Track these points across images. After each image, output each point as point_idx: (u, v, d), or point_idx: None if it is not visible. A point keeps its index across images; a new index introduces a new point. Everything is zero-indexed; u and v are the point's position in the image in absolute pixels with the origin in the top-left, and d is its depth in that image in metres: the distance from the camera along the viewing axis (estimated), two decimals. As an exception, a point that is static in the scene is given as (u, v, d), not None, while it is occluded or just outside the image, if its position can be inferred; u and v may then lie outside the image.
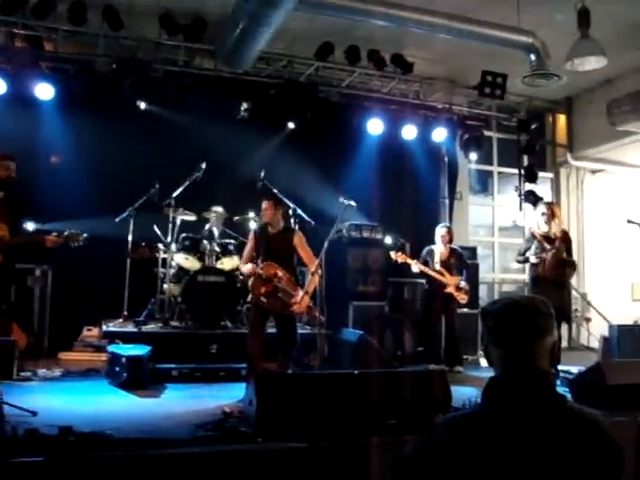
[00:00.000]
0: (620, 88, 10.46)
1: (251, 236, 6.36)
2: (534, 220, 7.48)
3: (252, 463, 3.76)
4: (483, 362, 8.83)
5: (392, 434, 4.05)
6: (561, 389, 6.15)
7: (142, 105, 8.41)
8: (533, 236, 7.28)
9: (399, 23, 7.87)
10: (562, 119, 12.46)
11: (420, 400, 4.36)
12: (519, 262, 7.61)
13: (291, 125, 9.31)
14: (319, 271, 5.94)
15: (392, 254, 7.69)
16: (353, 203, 6.24)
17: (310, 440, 3.92)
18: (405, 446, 1.97)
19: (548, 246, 7.08)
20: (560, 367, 6.60)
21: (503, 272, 12.40)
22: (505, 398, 1.77)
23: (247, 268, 6.13)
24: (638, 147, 11.32)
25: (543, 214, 7.18)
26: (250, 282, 6.07)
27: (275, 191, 7.52)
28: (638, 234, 7.77)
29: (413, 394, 4.34)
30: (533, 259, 7.12)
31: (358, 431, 4.02)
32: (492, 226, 12.28)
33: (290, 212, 7.44)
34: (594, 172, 12.77)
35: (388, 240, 9.00)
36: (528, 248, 7.30)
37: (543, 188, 11.93)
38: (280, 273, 6.00)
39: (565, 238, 7.26)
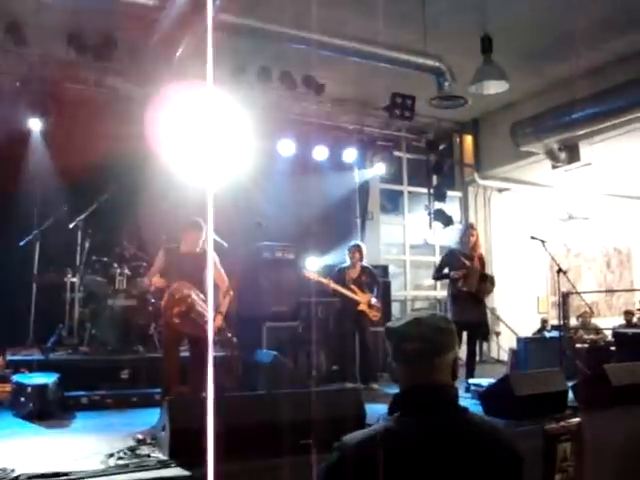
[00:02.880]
0: (522, 111, 10.94)
1: (161, 254, 6.23)
2: (451, 238, 7.76)
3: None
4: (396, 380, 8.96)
5: (306, 453, 4.04)
6: (472, 402, 6.35)
7: (36, 126, 8.09)
8: (452, 254, 7.52)
9: (308, 45, 7.96)
10: (469, 140, 12.90)
11: (334, 419, 4.37)
12: (436, 278, 7.85)
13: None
14: (230, 292, 5.90)
15: (305, 272, 7.73)
16: (264, 224, 6.27)
17: (225, 463, 3.86)
18: (318, 466, 1.95)
19: (468, 262, 7.32)
20: (471, 380, 6.80)
21: (415, 289, 12.66)
22: (409, 413, 1.81)
23: (157, 280, 6.04)
24: (540, 167, 11.84)
25: (471, 236, 7.44)
26: (163, 302, 5.95)
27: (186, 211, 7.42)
28: (541, 250, 8.11)
29: (327, 413, 4.34)
30: (454, 274, 7.33)
31: (273, 452, 3.99)
32: (403, 244, 12.53)
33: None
34: (500, 191, 13.29)
35: (301, 261, 9.02)
36: (446, 265, 7.52)
37: (452, 206, 12.30)
38: (193, 294, 5.90)
39: (481, 260, 7.55)
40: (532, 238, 8.07)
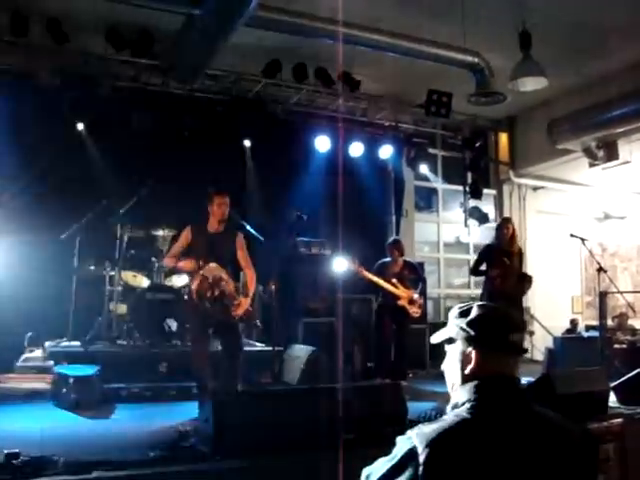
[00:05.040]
0: (559, 108, 10.80)
1: (186, 232, 5.77)
2: (490, 235, 7.65)
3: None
4: (431, 376, 8.89)
5: (350, 448, 4.04)
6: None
7: (80, 126, 8.19)
8: (490, 250, 7.42)
9: (346, 41, 7.93)
10: (504, 137, 12.76)
11: (376, 414, 4.36)
12: (474, 274, 7.71)
13: (247, 143, 9.27)
14: (272, 286, 5.86)
15: (349, 264, 7.54)
16: (304, 216, 6.16)
17: (268, 457, 3.87)
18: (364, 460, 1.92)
19: (506, 260, 7.23)
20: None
21: (447, 287, 12.57)
22: (489, 404, 1.79)
23: (186, 263, 5.58)
24: (576, 165, 11.68)
25: (506, 230, 7.34)
26: (194, 285, 5.56)
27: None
28: (575, 249, 8.00)
29: (369, 408, 4.34)
30: (492, 272, 7.24)
31: (316, 446, 3.99)
32: (437, 242, 12.45)
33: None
34: (535, 189, 13.12)
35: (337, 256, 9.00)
36: (483, 261, 7.44)
37: (486, 205, 12.18)
38: (225, 276, 5.62)
39: (520, 255, 7.44)
40: (572, 236, 7.96)
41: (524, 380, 6.22)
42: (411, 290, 7.85)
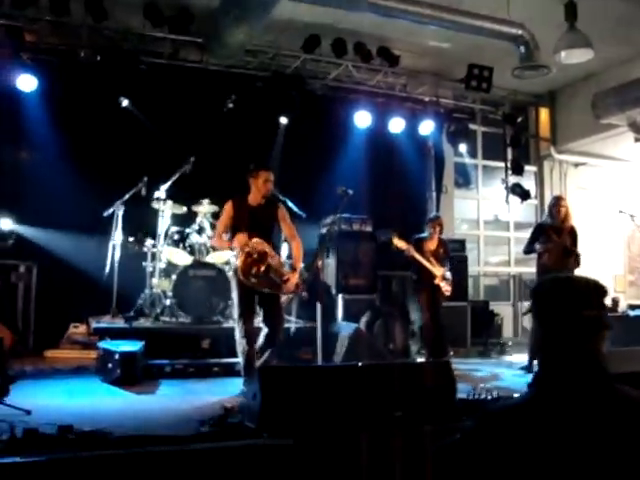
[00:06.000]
0: (604, 81, 10.53)
1: (229, 207, 5.71)
2: (531, 212, 7.53)
3: (258, 459, 3.68)
4: (473, 354, 8.84)
5: (400, 426, 4.01)
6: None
7: (124, 102, 8.19)
8: (541, 228, 7.33)
9: (386, 13, 7.78)
10: (545, 113, 12.51)
11: (426, 391, 4.31)
12: (526, 252, 7.61)
13: (283, 120, 9.22)
14: (319, 262, 5.81)
15: (394, 239, 7.40)
16: (350, 191, 6.05)
17: (316, 434, 3.85)
18: (446, 437, 1.86)
19: (555, 237, 7.13)
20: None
21: (484, 265, 12.42)
22: (565, 384, 1.70)
23: (240, 240, 5.42)
24: (620, 140, 11.43)
25: (560, 208, 7.24)
26: (239, 262, 5.45)
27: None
28: (622, 226, 7.82)
29: (418, 386, 4.29)
30: (538, 248, 7.16)
31: (365, 424, 3.96)
32: (477, 219, 12.30)
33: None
34: (577, 165, 12.86)
35: (379, 233, 8.93)
36: (535, 239, 7.34)
37: (527, 181, 11.95)
38: (270, 251, 5.54)
39: (573, 232, 7.32)
40: (620, 212, 7.78)
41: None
42: (444, 268, 7.76)
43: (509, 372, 7.16)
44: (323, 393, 4.10)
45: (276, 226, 5.82)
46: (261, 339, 5.75)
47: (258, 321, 5.94)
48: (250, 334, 5.58)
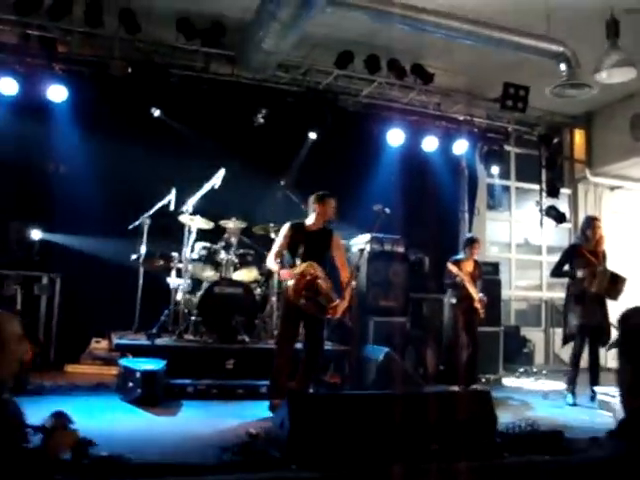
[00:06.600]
0: (643, 102, 10.24)
1: (286, 231, 5.81)
2: (564, 236, 7.22)
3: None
4: (505, 382, 8.53)
5: (436, 460, 3.75)
6: (600, 412, 5.88)
7: (156, 112, 8.15)
8: (575, 250, 6.99)
9: (421, 27, 7.55)
10: (580, 134, 12.22)
11: (463, 423, 4.04)
12: (556, 276, 7.25)
13: (313, 135, 9.05)
14: (353, 282, 5.61)
15: (449, 266, 7.39)
16: (387, 210, 5.88)
17: (347, 467, 3.61)
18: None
19: (595, 261, 6.80)
20: (598, 389, 6.32)
21: (516, 290, 12.09)
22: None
23: (288, 272, 5.57)
24: (658, 164, 11.07)
25: (595, 229, 6.92)
26: (292, 281, 5.55)
27: (296, 200, 7.27)
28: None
29: (456, 417, 4.03)
30: (580, 273, 6.80)
31: (400, 457, 3.71)
32: (509, 242, 12.00)
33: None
34: (612, 188, 12.53)
35: (411, 254, 8.69)
36: (566, 261, 7.01)
37: (561, 204, 11.65)
38: (322, 275, 5.58)
39: (604, 257, 7.00)
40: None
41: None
42: (477, 290, 7.55)
43: (545, 402, 6.87)
44: (355, 422, 3.86)
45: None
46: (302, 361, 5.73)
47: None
48: (286, 356, 5.61)
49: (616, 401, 5.39)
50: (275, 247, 5.88)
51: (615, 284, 6.80)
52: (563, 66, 7.80)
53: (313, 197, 5.86)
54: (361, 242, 7.99)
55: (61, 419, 2.93)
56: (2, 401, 2.70)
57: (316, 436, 3.72)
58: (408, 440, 3.84)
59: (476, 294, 7.45)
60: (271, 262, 5.84)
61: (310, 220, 5.84)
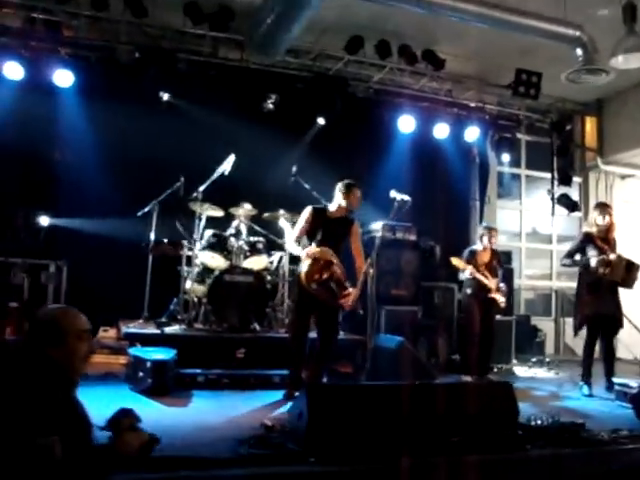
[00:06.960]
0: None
1: (308, 215, 5.77)
2: (575, 225, 7.06)
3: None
4: (517, 372, 8.43)
5: (457, 453, 3.65)
6: (616, 404, 5.78)
7: (165, 96, 8.08)
8: (589, 238, 6.82)
9: (436, 10, 7.37)
10: (591, 122, 12.05)
11: (485, 415, 3.94)
12: (567, 265, 7.07)
13: (321, 121, 8.94)
14: (370, 270, 5.51)
15: (453, 260, 7.19)
16: (407, 197, 5.77)
17: (367, 459, 3.51)
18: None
19: (608, 249, 6.66)
20: (616, 379, 6.20)
21: (525, 279, 11.97)
22: None
23: (312, 250, 5.50)
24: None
25: (607, 216, 6.76)
26: (304, 267, 5.48)
27: (307, 187, 7.14)
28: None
29: (478, 408, 3.92)
30: (595, 262, 6.63)
31: (421, 449, 3.61)
32: (520, 231, 11.86)
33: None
34: (624, 177, 12.38)
35: (422, 242, 8.56)
36: (579, 250, 6.85)
37: (572, 192, 11.51)
38: (336, 261, 5.53)
39: (615, 244, 6.84)
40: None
41: (635, 382, 5.70)
42: (496, 279, 7.41)
43: (560, 393, 6.77)
44: (376, 414, 3.75)
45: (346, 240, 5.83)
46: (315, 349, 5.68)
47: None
48: (300, 341, 5.58)
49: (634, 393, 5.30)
50: (296, 231, 5.82)
51: (630, 272, 6.66)
52: (579, 51, 7.64)
53: (340, 185, 5.82)
54: (373, 230, 7.86)
55: (129, 418, 2.83)
56: (73, 400, 2.63)
57: (336, 428, 3.62)
58: (429, 432, 3.74)
59: (493, 284, 7.31)
60: (292, 245, 5.77)
61: (333, 207, 5.82)
